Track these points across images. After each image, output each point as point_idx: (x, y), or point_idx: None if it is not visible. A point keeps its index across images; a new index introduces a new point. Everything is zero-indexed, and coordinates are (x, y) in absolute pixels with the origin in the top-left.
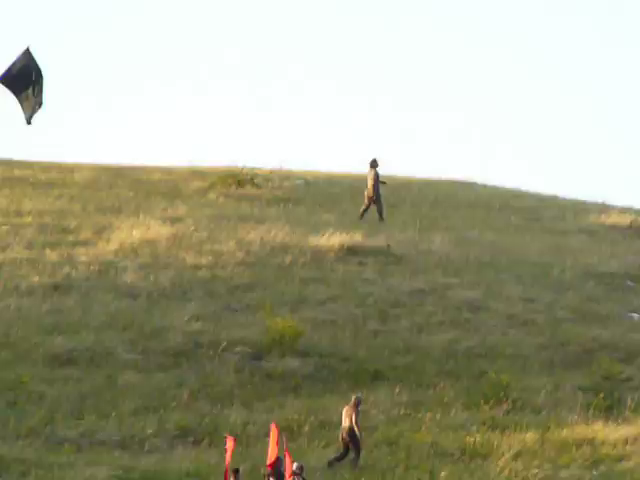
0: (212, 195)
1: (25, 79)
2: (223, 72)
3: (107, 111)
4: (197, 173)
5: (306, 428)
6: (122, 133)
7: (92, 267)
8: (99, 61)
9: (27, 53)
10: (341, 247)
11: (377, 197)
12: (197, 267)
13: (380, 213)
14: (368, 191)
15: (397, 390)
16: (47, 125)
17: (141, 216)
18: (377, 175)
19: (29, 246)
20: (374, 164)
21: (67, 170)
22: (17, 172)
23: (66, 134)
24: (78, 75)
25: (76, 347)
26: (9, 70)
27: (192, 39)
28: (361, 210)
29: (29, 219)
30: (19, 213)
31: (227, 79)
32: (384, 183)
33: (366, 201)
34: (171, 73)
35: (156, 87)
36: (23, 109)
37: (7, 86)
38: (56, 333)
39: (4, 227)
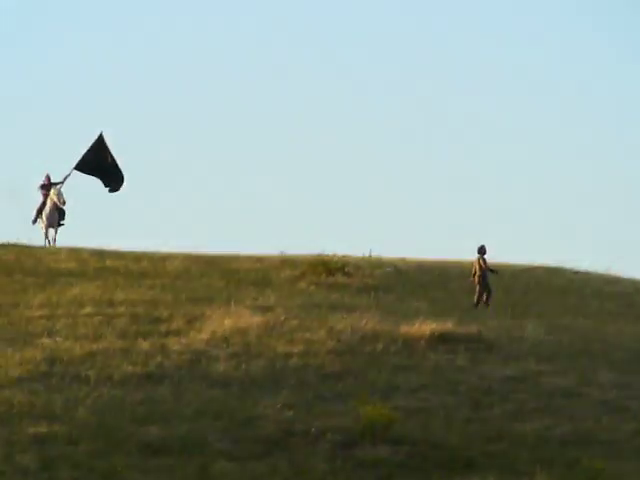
0: (302, 284)
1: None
2: (313, 160)
3: (198, 200)
4: (287, 261)
5: None
6: (213, 222)
7: (184, 356)
8: (189, 152)
9: (100, 139)
10: (432, 335)
11: (484, 286)
12: (288, 356)
13: (480, 300)
14: (475, 279)
15: (490, 478)
16: (137, 215)
17: (232, 305)
18: (484, 262)
19: (122, 336)
20: (482, 251)
21: (159, 260)
22: (109, 262)
23: (157, 224)
24: (170, 166)
25: (169, 436)
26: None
27: (286, 127)
28: (475, 299)
29: (121, 309)
30: (111, 303)
31: (318, 167)
32: (494, 272)
33: (478, 289)
34: (260, 163)
35: (246, 176)
36: (106, 182)
37: (87, 171)
38: (149, 422)
39: (97, 317)
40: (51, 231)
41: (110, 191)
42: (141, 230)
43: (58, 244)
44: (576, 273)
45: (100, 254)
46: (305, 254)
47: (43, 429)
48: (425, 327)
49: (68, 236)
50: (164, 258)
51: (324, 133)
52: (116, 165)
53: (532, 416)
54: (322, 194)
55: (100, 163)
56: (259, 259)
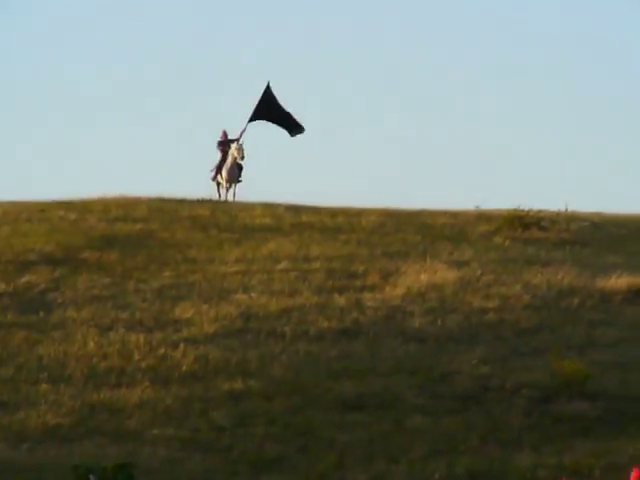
0: (498, 239)
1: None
2: (509, 113)
3: (389, 154)
4: (483, 216)
5: (596, 471)
6: (408, 178)
7: (379, 312)
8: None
9: (268, 90)
10: (629, 289)
11: None
12: (484, 311)
13: None
14: None
15: None
16: (333, 171)
17: (427, 260)
18: None
19: (317, 291)
20: None
21: (354, 215)
22: (304, 218)
23: (353, 180)
24: (362, 119)
25: (365, 392)
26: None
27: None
28: None
29: (317, 264)
30: (307, 259)
31: (515, 120)
32: None
33: None
34: (457, 118)
35: (439, 130)
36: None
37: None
38: (345, 378)
39: (292, 273)
40: (230, 188)
41: (292, 135)
42: (336, 187)
43: (237, 200)
44: None
45: (295, 209)
46: (500, 209)
47: (238, 385)
48: (622, 281)
49: (262, 191)
50: (359, 213)
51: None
52: (288, 113)
53: None
54: (518, 148)
55: (272, 112)
56: (454, 214)
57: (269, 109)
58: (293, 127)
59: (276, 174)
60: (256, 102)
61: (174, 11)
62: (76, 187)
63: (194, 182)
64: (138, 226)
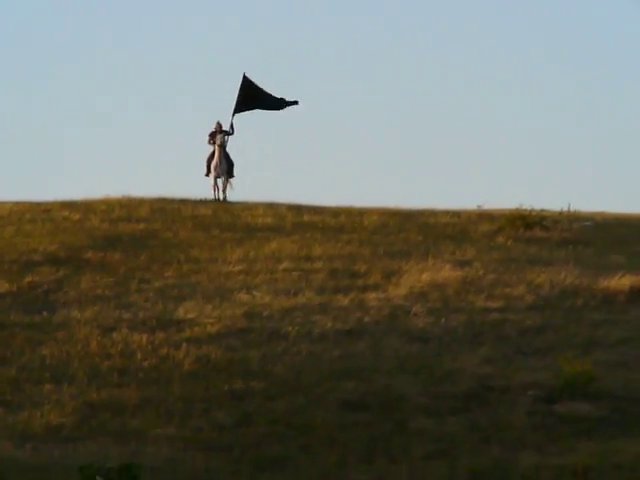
0: (500, 238)
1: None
2: (511, 113)
3: (391, 155)
4: (485, 216)
5: (598, 471)
6: (410, 177)
7: (382, 311)
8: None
9: (245, 80)
10: (632, 289)
11: None
12: (487, 310)
13: None
14: None
15: None
16: (335, 171)
17: (430, 260)
18: None
19: (320, 291)
20: None
21: (356, 215)
22: (306, 218)
23: (354, 179)
24: (366, 120)
25: (367, 392)
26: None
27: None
28: None
29: (319, 264)
30: (309, 258)
31: (517, 120)
32: None
33: None
34: (456, 118)
35: (442, 130)
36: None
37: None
38: (347, 378)
39: (295, 272)
40: (219, 182)
41: (280, 108)
42: (337, 187)
43: (230, 198)
44: None
45: (297, 209)
46: (503, 208)
47: (240, 385)
48: (625, 281)
49: (265, 191)
50: (361, 213)
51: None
52: (271, 95)
53: None
54: (521, 148)
55: (257, 99)
56: (456, 213)
57: (253, 97)
58: (283, 104)
59: (278, 174)
60: (236, 95)
61: (179, 12)
62: (80, 188)
63: (196, 182)
64: (141, 226)
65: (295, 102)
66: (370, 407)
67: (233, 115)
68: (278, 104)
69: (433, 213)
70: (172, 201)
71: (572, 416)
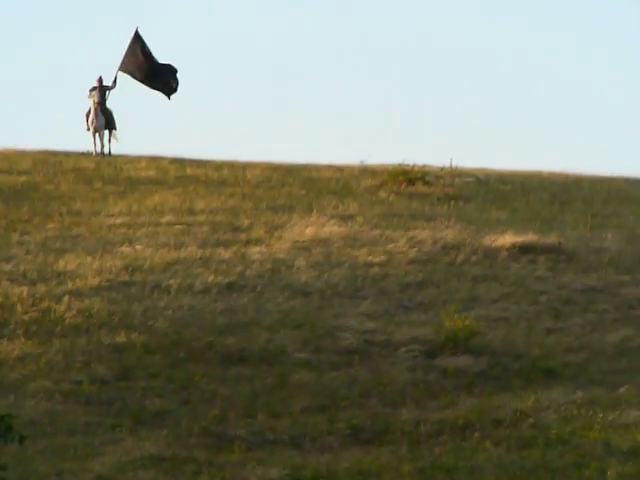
0: (383, 193)
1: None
2: (392, 66)
3: (277, 109)
4: (368, 171)
5: (478, 426)
6: (292, 131)
7: (265, 265)
8: (271, 64)
9: (137, 35)
10: (513, 245)
11: None
12: (369, 265)
13: None
14: None
15: (571, 388)
16: (219, 124)
17: (313, 214)
18: None
19: (202, 245)
20: None
21: (239, 168)
22: (189, 171)
23: (237, 132)
24: (249, 75)
25: (248, 346)
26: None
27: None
28: None
29: (202, 218)
30: (192, 212)
31: (396, 74)
32: None
33: None
34: (340, 70)
35: (326, 83)
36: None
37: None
38: (229, 332)
39: (177, 226)
40: (98, 137)
41: (170, 93)
42: (221, 140)
43: (113, 152)
44: None
45: (180, 162)
46: (385, 164)
47: (121, 339)
48: (506, 238)
49: (147, 145)
50: (244, 167)
51: (407, 38)
52: (158, 63)
53: (612, 326)
54: (402, 103)
55: (144, 62)
56: (339, 168)
57: (139, 60)
58: (167, 87)
59: (161, 127)
60: (126, 50)
61: None
62: None
63: (80, 135)
64: (22, 178)
65: (175, 71)
66: (251, 361)
67: (118, 70)
68: (164, 76)
69: (316, 168)
70: (55, 154)
71: (453, 371)
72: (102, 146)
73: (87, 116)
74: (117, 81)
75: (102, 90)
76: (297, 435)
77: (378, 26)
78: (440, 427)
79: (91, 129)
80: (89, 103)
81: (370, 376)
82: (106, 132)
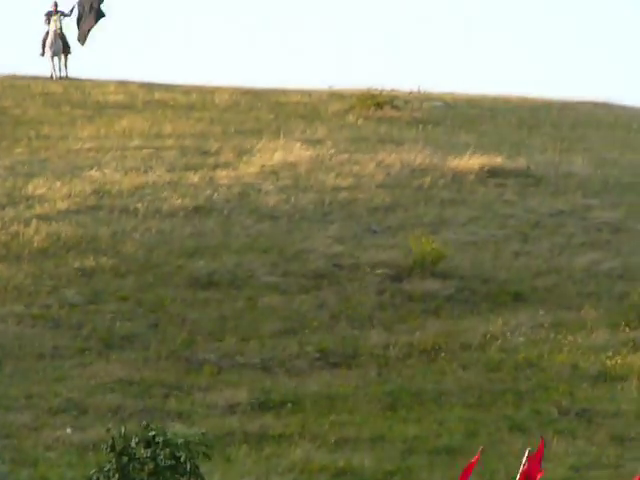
0: (351, 117)
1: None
2: None
3: (246, 33)
4: (336, 95)
5: (446, 350)
6: (261, 55)
7: (233, 189)
8: None
9: None
10: (481, 169)
11: None
12: (337, 189)
13: None
14: None
15: (539, 312)
16: (187, 48)
17: (281, 138)
18: None
19: (170, 169)
20: None
21: (207, 93)
22: (157, 95)
23: (206, 57)
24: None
25: (217, 270)
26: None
27: None
28: None
29: (170, 142)
30: (160, 136)
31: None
32: None
33: None
34: None
35: (293, 9)
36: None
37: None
38: (197, 256)
39: (145, 150)
40: (56, 60)
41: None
42: (189, 64)
43: (70, 74)
44: (623, 108)
45: (148, 87)
46: (353, 89)
47: (90, 262)
48: (474, 161)
49: (115, 69)
50: (212, 91)
51: None
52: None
53: (580, 250)
54: (371, 27)
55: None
56: (307, 92)
57: None
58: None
59: (129, 51)
60: None
61: None
62: None
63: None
64: None
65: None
66: (220, 285)
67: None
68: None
69: (284, 92)
70: (22, 78)
71: (421, 294)
72: (63, 67)
73: (43, 40)
74: (74, 10)
75: (57, 16)
76: (266, 358)
77: None
78: (408, 350)
79: (49, 52)
80: (47, 28)
81: (338, 299)
82: (62, 56)
